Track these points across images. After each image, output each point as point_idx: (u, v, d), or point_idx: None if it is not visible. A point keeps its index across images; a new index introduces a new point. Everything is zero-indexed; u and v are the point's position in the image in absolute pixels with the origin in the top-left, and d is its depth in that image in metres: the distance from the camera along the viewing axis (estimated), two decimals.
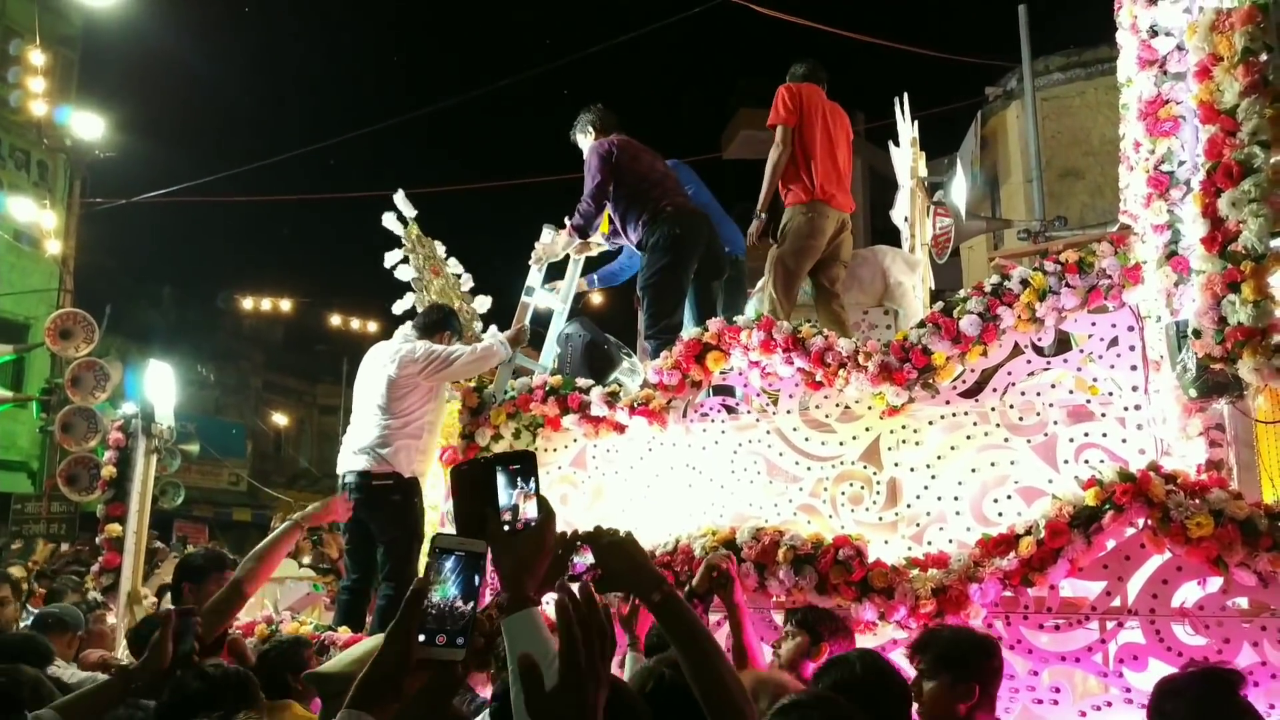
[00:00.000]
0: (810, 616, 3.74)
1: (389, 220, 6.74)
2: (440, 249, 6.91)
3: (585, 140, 6.09)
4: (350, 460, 5.28)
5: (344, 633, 5.09)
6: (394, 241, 6.73)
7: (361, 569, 5.32)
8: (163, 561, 7.94)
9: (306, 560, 10.31)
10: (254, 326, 30.09)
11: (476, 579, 1.48)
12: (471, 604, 1.47)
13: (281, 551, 4.17)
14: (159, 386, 7.24)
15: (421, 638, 1.43)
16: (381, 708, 1.43)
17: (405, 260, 6.67)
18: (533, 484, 1.64)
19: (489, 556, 1.55)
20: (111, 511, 6.80)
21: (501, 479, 1.62)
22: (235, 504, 25.39)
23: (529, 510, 1.63)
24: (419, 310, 6.33)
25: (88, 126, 15.83)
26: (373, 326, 17.83)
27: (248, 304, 20.52)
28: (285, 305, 19.99)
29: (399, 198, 6.75)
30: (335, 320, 20.40)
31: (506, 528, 1.60)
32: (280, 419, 31.12)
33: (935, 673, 2.92)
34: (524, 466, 1.65)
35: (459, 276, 6.90)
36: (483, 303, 6.89)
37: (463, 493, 1.66)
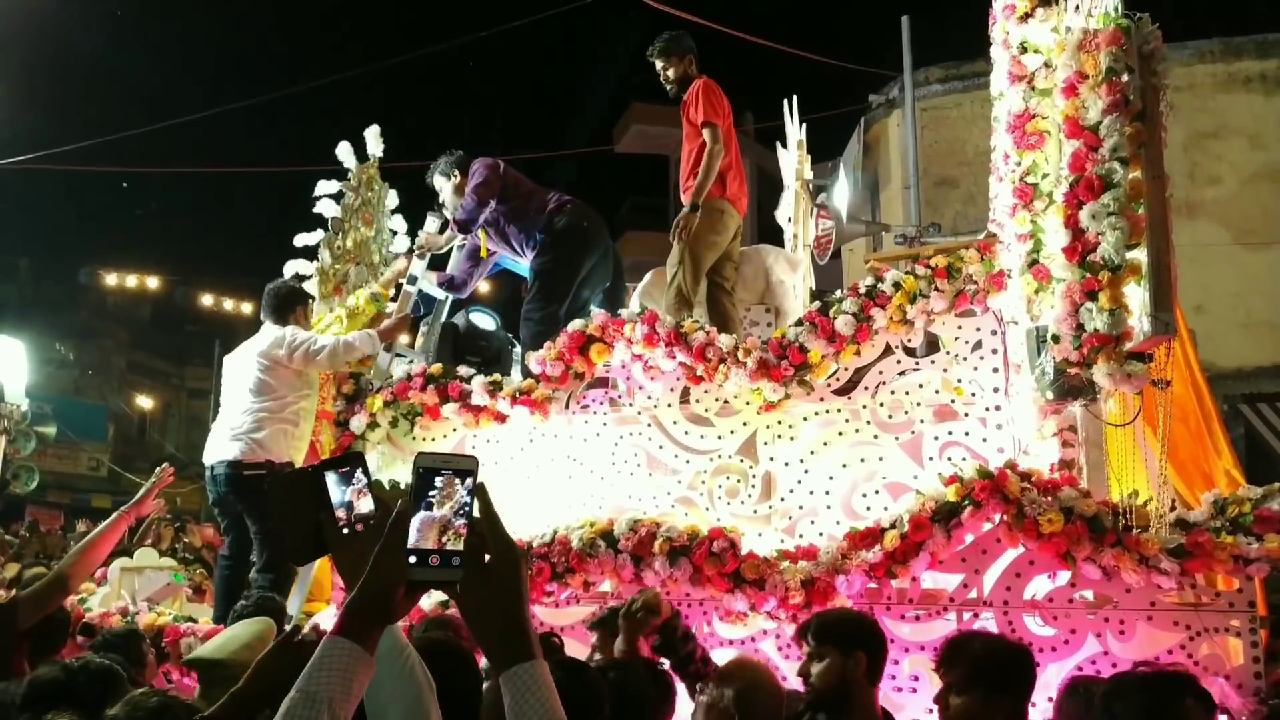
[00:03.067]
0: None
1: (343, 151, 6.39)
2: (391, 201, 6.62)
3: (446, 183, 6.04)
4: (220, 449, 5.12)
5: (205, 624, 4.93)
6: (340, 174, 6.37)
7: (238, 544, 5.21)
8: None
9: (165, 548, 9.90)
10: (119, 304, 28.66)
11: (468, 495, 1.40)
12: (464, 521, 1.39)
13: (109, 541, 4.14)
14: (9, 364, 6.84)
15: (412, 559, 1.37)
16: (369, 636, 1.37)
17: (339, 197, 6.31)
18: (364, 478, 1.56)
19: (478, 471, 1.44)
20: None
21: (332, 480, 1.54)
22: (95, 490, 24.18)
23: (363, 505, 1.55)
24: (324, 250, 6.13)
25: None
26: (246, 308, 17.19)
27: (112, 280, 19.52)
28: (153, 283, 19.11)
29: (370, 132, 6.44)
30: (207, 300, 19.60)
31: (345, 529, 1.52)
32: (145, 402, 29.75)
33: (967, 687, 2.64)
34: (353, 466, 1.57)
35: (395, 234, 6.62)
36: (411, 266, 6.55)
37: (284, 505, 1.58)
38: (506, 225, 5.84)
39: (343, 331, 5.62)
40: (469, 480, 1.42)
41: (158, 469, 4.68)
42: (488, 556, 1.41)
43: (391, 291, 6.06)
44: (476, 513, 1.42)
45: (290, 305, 5.40)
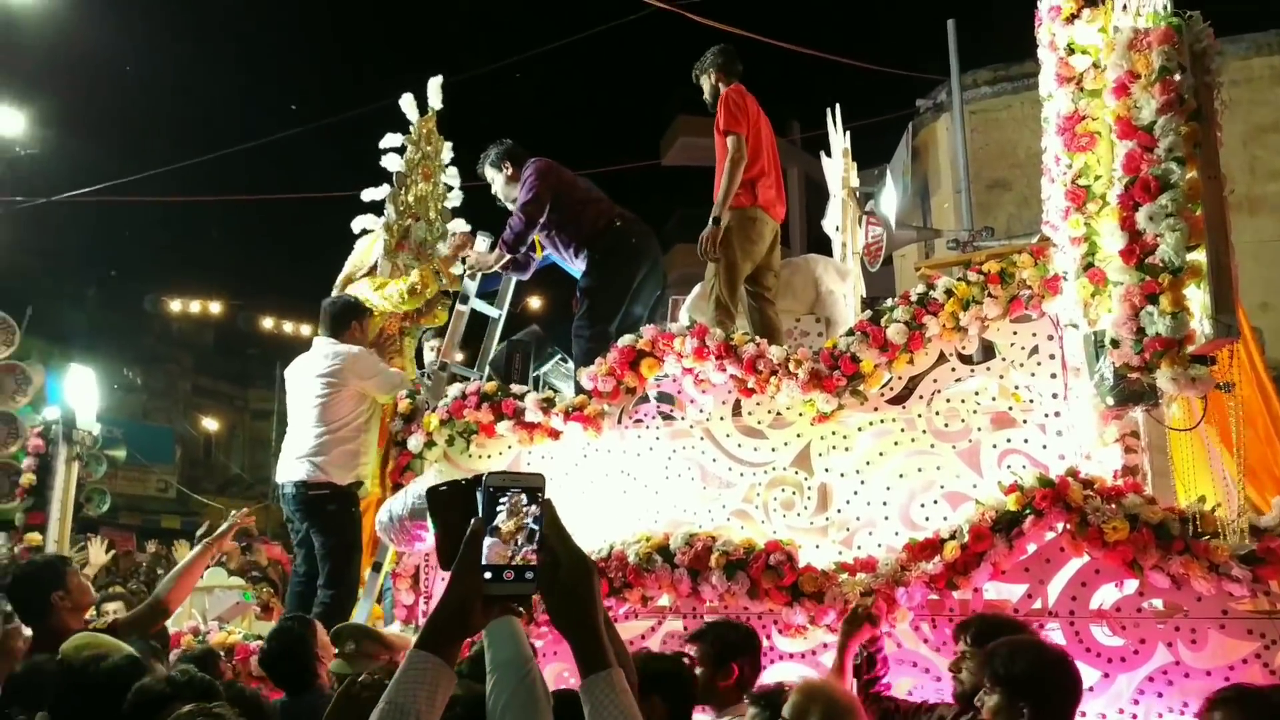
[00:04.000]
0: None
1: (406, 102, 6.46)
2: (447, 154, 6.68)
3: (497, 174, 6.05)
4: (288, 470, 5.33)
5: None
6: (402, 126, 6.44)
7: (309, 561, 5.37)
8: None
9: (234, 567, 10.10)
10: (183, 329, 29.38)
11: (536, 511, 1.46)
12: (533, 536, 1.45)
13: (199, 569, 4.65)
14: (81, 391, 7.06)
15: (488, 575, 1.43)
16: (449, 648, 1.44)
17: (401, 150, 6.39)
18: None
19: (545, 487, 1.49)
20: (31, 520, 6.62)
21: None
22: (164, 511, 24.77)
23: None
24: (389, 205, 6.24)
25: (6, 121, 15.35)
26: (305, 330, 17.53)
27: (176, 306, 20.04)
28: (215, 308, 19.58)
29: (433, 84, 6.50)
30: (268, 323, 20.02)
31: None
32: (210, 424, 30.43)
33: (1014, 701, 2.69)
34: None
35: (450, 190, 6.70)
36: (460, 225, 6.65)
37: (443, 512, 1.55)
38: (556, 234, 5.86)
39: (404, 299, 5.84)
40: (537, 497, 1.47)
41: (234, 513, 4.92)
42: (559, 570, 1.46)
43: (454, 270, 6.13)
44: (546, 528, 1.47)
45: (346, 321, 5.56)
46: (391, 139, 6.38)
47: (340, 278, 6.27)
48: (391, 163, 6.37)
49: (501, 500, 1.46)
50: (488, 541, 1.44)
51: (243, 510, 5.02)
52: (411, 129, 6.47)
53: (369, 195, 6.33)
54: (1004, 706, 2.71)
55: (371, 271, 6.24)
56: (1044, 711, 2.66)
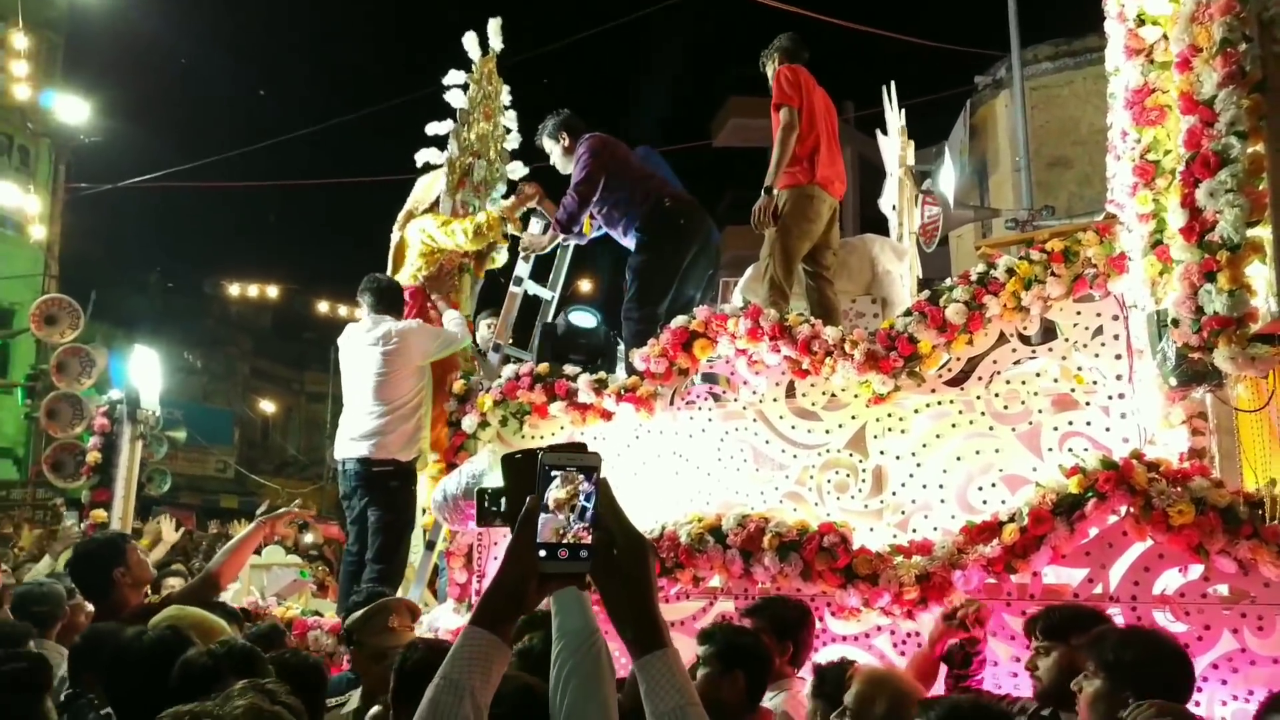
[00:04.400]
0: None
1: (469, 41, 6.49)
2: (506, 97, 6.71)
3: (555, 145, 6.03)
4: (349, 447, 5.42)
5: (329, 618, 5.13)
6: (464, 64, 6.49)
7: (362, 539, 5.46)
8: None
9: (290, 544, 10.31)
10: (241, 313, 29.98)
11: (591, 490, 1.46)
12: (588, 515, 1.46)
13: (251, 545, 4.72)
14: (144, 372, 7.22)
15: (543, 554, 1.44)
16: (504, 625, 1.45)
17: (465, 87, 6.44)
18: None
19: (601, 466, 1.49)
20: (96, 497, 6.79)
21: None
22: (223, 491, 25.34)
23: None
24: (452, 142, 6.28)
25: (72, 111, 15.73)
26: (360, 314, 17.75)
27: (235, 290, 20.44)
28: (273, 292, 19.93)
29: (493, 24, 6.54)
30: (323, 307, 20.34)
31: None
32: (268, 406, 31.04)
33: (1119, 689, 2.58)
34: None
35: (509, 132, 6.72)
36: (516, 169, 6.71)
37: (512, 478, 1.56)
38: (609, 211, 5.85)
39: (469, 238, 5.88)
40: (593, 475, 1.47)
41: (293, 504, 5.00)
42: (615, 549, 1.46)
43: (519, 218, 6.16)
44: (601, 507, 1.47)
45: (398, 299, 5.67)
46: (455, 75, 6.39)
47: (402, 214, 6.30)
48: (455, 99, 6.38)
49: (557, 478, 1.46)
50: (543, 519, 1.44)
51: (297, 502, 5.11)
52: (474, 67, 6.47)
53: (433, 129, 6.36)
54: (1106, 694, 2.60)
55: (433, 208, 6.26)
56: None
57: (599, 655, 1.77)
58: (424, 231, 6.03)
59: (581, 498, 1.46)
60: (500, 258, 6.45)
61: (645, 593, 1.47)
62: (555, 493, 1.46)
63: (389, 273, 6.14)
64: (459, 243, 5.94)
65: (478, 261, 6.38)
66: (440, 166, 6.32)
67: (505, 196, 6.52)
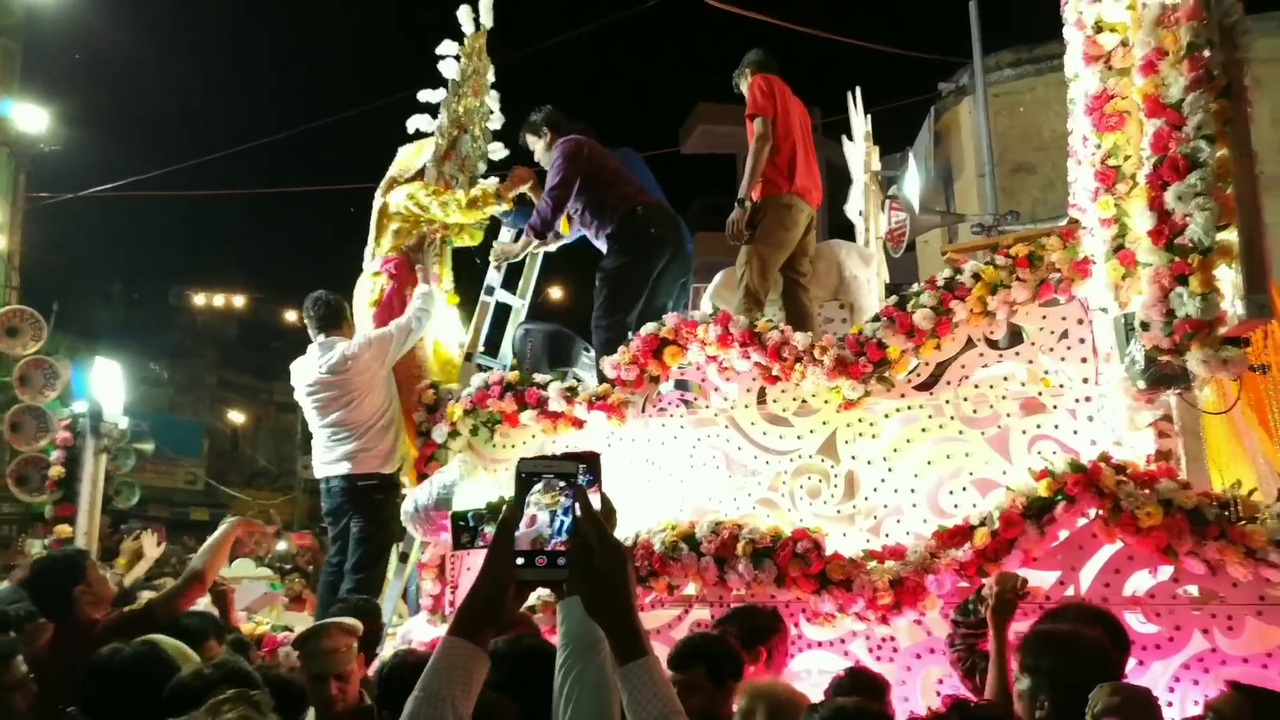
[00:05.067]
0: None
1: (463, 13, 6.44)
2: (491, 75, 6.66)
3: (537, 141, 5.99)
4: (333, 465, 5.44)
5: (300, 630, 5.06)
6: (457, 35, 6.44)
7: (344, 553, 5.47)
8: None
9: (262, 554, 10.19)
10: (207, 323, 29.66)
11: (571, 497, 1.46)
12: (567, 522, 1.45)
13: (229, 544, 4.64)
14: (107, 384, 7.12)
15: (520, 561, 1.44)
16: (482, 634, 1.45)
17: (457, 58, 6.37)
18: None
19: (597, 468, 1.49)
20: (60, 512, 6.69)
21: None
22: (192, 503, 25.03)
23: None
24: (443, 112, 6.26)
25: (31, 119, 15.48)
26: (311, 337, 17.60)
27: (200, 300, 20.21)
28: (239, 301, 19.73)
29: (484, 1, 6.49)
30: (290, 316, 20.15)
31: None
32: (237, 417, 30.71)
33: (1035, 689, 2.73)
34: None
35: (492, 112, 6.68)
36: (497, 149, 6.67)
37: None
38: (583, 214, 5.80)
39: (461, 209, 5.85)
40: (571, 482, 1.47)
41: (264, 520, 4.95)
42: (593, 557, 1.45)
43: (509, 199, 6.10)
44: (579, 514, 1.46)
45: (338, 317, 5.64)
46: (449, 46, 6.35)
47: (385, 180, 6.24)
48: (448, 69, 6.33)
49: (536, 485, 1.46)
50: (521, 527, 1.45)
51: (271, 528, 5.05)
52: (465, 41, 6.43)
53: (425, 96, 6.32)
54: (1029, 693, 2.74)
55: (418, 176, 6.21)
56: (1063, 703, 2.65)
57: (604, 662, 1.75)
58: (412, 198, 5.96)
59: (560, 505, 1.46)
60: (478, 235, 6.39)
61: (624, 601, 1.46)
62: (533, 500, 1.45)
63: (370, 239, 6.11)
64: (450, 213, 5.89)
65: (460, 232, 6.33)
66: (430, 135, 6.28)
67: (485, 176, 6.47)
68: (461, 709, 1.40)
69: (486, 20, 6.48)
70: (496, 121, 6.70)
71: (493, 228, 6.40)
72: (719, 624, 3.63)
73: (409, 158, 6.27)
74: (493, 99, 6.68)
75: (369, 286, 5.99)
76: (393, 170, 6.26)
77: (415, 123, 6.32)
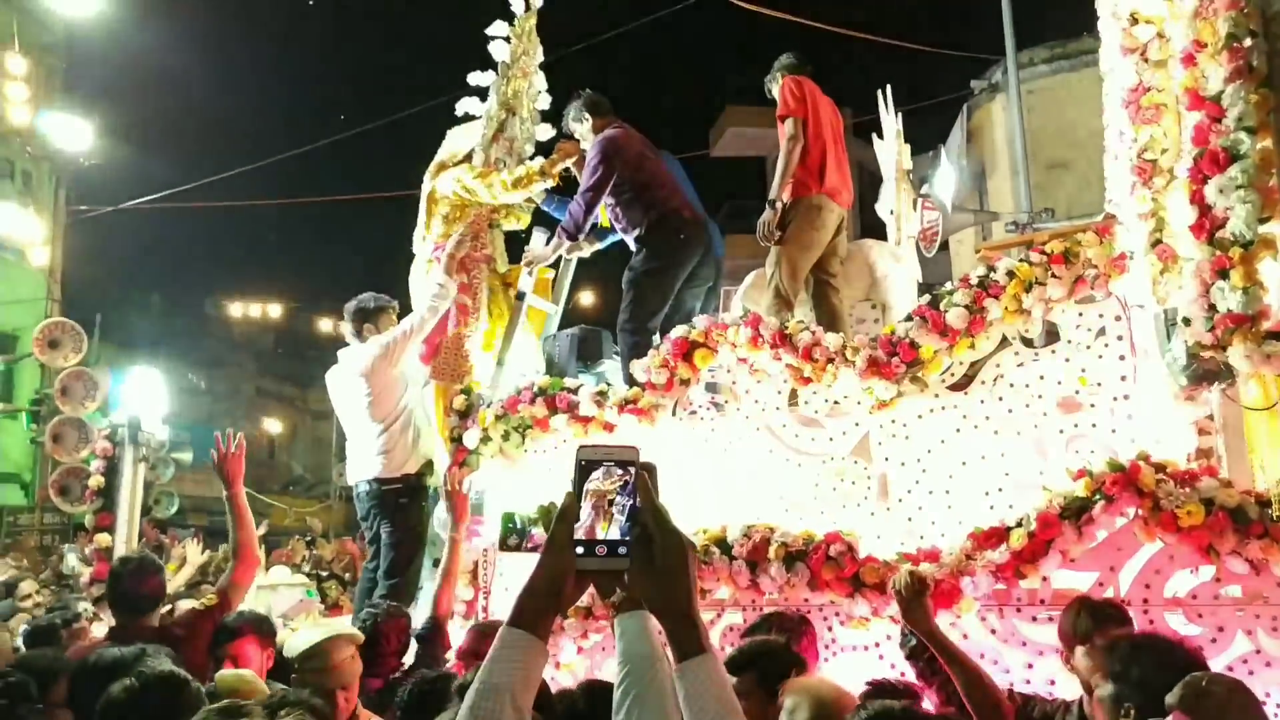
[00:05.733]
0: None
1: None
2: (540, 55, 6.63)
3: (581, 127, 5.98)
4: (359, 469, 5.52)
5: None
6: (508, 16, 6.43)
7: (378, 556, 5.53)
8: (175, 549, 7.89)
9: (299, 562, 10.29)
10: (244, 333, 30.03)
11: (631, 486, 1.42)
12: (626, 511, 1.42)
13: (246, 513, 4.79)
14: (146, 394, 7.21)
15: (580, 551, 1.40)
16: (542, 624, 1.41)
17: (507, 40, 6.36)
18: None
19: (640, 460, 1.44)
20: (100, 522, 6.78)
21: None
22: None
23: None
24: (492, 95, 6.26)
25: (72, 134, 15.75)
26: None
27: (237, 310, 20.46)
28: (275, 311, 19.95)
29: None
30: (326, 325, 20.37)
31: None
32: (273, 425, 31.05)
33: (1120, 696, 2.61)
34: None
35: (540, 93, 6.65)
36: (545, 130, 6.63)
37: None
38: (616, 212, 5.79)
39: (507, 188, 5.84)
40: (631, 470, 1.43)
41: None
42: (653, 547, 1.41)
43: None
44: (640, 502, 1.42)
45: (367, 316, 5.68)
46: (499, 27, 6.35)
47: (434, 164, 6.25)
48: (498, 51, 6.32)
49: (595, 473, 1.43)
50: (581, 516, 1.41)
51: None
52: (516, 22, 6.42)
53: (475, 80, 6.33)
54: (1110, 700, 2.63)
55: (467, 159, 6.22)
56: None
57: (662, 684, 1.68)
58: (459, 182, 5.97)
59: (621, 493, 1.42)
60: (524, 218, 6.38)
61: (685, 594, 1.41)
62: (594, 487, 1.42)
63: (420, 223, 6.12)
64: (495, 194, 5.88)
65: (506, 214, 6.32)
66: (477, 118, 6.30)
67: (531, 157, 6.45)
68: (521, 700, 1.36)
69: (538, 0, 6.48)
70: (544, 101, 6.64)
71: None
72: (749, 633, 3.58)
73: (457, 140, 6.30)
74: (540, 79, 6.64)
75: (423, 270, 6.02)
76: (442, 154, 6.28)
77: (465, 106, 6.36)
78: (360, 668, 3.53)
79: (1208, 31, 3.61)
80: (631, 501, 1.42)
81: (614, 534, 1.41)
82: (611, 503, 1.41)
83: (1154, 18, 4.01)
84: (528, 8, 6.46)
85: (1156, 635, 2.94)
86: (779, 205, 5.45)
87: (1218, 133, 3.54)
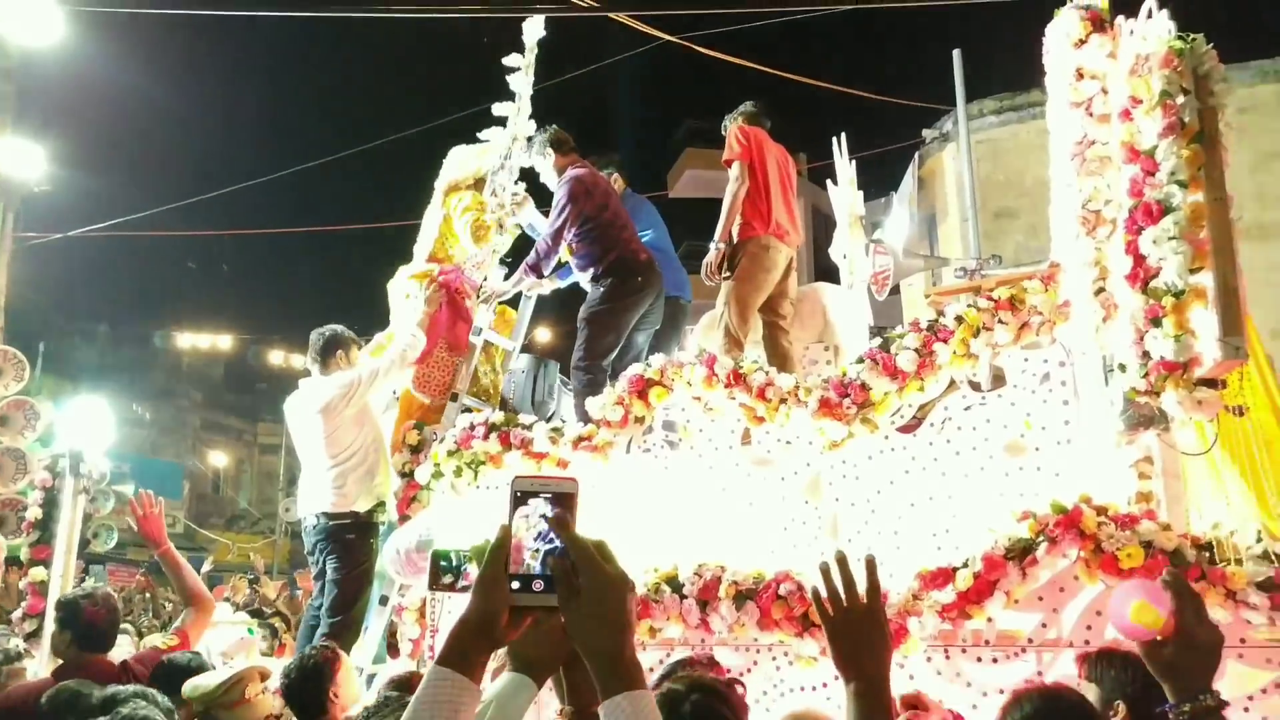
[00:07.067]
0: None
1: (534, 27, 6.50)
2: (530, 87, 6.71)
3: (544, 162, 6.05)
4: (309, 503, 5.48)
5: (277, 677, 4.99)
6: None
7: (324, 592, 5.46)
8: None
9: (239, 601, 10.07)
10: (192, 364, 29.59)
11: (549, 518, 1.35)
12: (551, 545, 1.35)
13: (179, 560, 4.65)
14: (89, 425, 7.05)
15: (515, 585, 1.34)
16: (475, 663, 1.34)
17: (520, 70, 6.43)
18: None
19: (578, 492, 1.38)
20: (36, 555, 6.58)
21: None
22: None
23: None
24: (511, 124, 6.32)
25: (22, 161, 15.48)
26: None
27: (185, 341, 20.15)
28: (224, 342, 19.68)
29: (537, 22, 6.54)
30: (276, 358, 20.12)
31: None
32: (219, 458, 30.49)
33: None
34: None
35: (529, 120, 6.68)
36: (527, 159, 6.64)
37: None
38: (575, 249, 5.85)
39: (471, 238, 5.90)
40: (566, 503, 1.38)
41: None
42: (576, 585, 1.34)
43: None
44: (562, 539, 1.36)
45: (331, 350, 5.65)
46: (514, 59, 6.44)
47: (444, 183, 6.27)
48: (515, 83, 6.39)
49: (529, 505, 1.37)
50: (516, 549, 1.35)
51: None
52: (527, 53, 6.49)
53: (499, 110, 6.41)
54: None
55: (477, 185, 6.27)
56: None
57: None
58: (464, 207, 6.03)
59: (543, 528, 1.36)
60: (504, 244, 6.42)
61: (613, 633, 1.33)
62: (530, 520, 1.36)
63: (427, 240, 6.13)
64: (464, 242, 5.96)
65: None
66: (485, 142, 6.37)
67: (517, 183, 6.51)
68: None
69: (540, 33, 6.56)
70: (531, 128, 6.70)
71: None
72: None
73: (468, 162, 6.31)
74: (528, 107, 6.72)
75: (405, 287, 5.99)
76: (454, 175, 6.29)
77: (489, 134, 6.44)
78: (273, 703, 3.49)
79: (1143, 88, 3.76)
80: (550, 536, 1.36)
81: (544, 568, 1.34)
82: (545, 535, 1.35)
83: (1098, 73, 4.16)
84: (533, 41, 6.56)
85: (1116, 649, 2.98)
86: (722, 246, 5.58)
87: (1152, 186, 3.67)
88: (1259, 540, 3.69)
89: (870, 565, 1.85)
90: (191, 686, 3.48)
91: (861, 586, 1.84)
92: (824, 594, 1.86)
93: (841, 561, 1.81)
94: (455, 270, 5.96)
